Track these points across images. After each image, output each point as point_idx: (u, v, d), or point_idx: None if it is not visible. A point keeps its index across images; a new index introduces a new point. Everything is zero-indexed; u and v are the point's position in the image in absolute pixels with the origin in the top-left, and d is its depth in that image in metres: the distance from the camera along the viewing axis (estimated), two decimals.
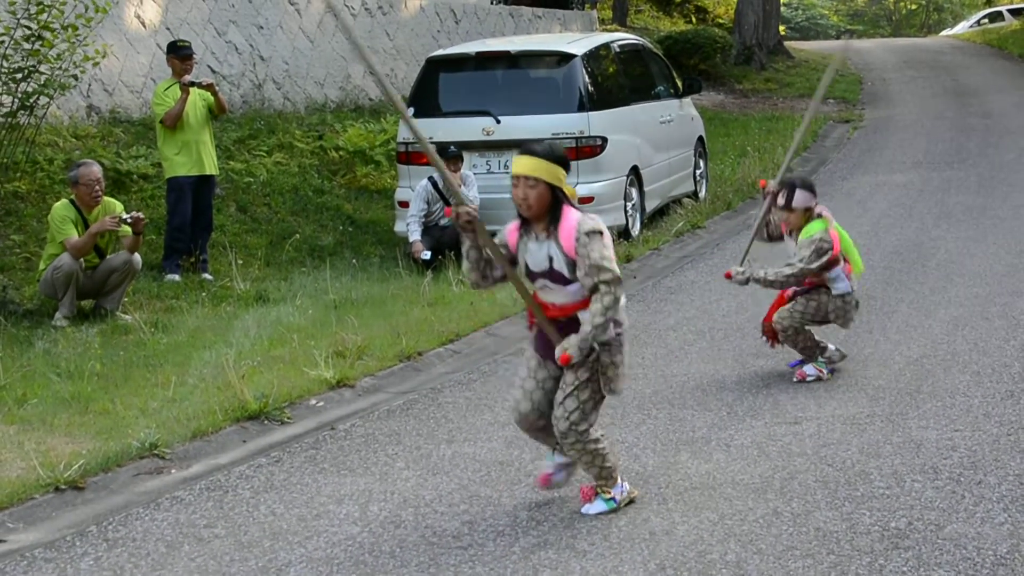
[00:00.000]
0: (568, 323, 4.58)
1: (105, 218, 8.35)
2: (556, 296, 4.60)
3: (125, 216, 8.40)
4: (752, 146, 16.23)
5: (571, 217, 4.51)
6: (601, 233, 4.48)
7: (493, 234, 4.64)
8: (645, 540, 4.46)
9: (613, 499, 4.76)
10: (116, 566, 4.48)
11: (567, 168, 4.57)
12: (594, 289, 4.46)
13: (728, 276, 6.54)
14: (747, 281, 6.47)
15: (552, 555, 4.37)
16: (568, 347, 4.49)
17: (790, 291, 6.59)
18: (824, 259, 6.38)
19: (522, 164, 4.51)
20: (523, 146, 4.60)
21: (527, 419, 4.72)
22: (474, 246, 4.61)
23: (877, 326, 7.71)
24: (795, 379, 6.56)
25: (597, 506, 4.75)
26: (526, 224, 4.61)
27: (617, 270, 4.47)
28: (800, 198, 6.42)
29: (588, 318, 4.48)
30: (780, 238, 6.70)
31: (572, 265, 4.49)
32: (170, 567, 4.45)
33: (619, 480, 4.81)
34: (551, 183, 4.50)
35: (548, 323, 4.61)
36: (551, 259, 4.53)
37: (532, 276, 4.63)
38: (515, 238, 4.64)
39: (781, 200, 6.46)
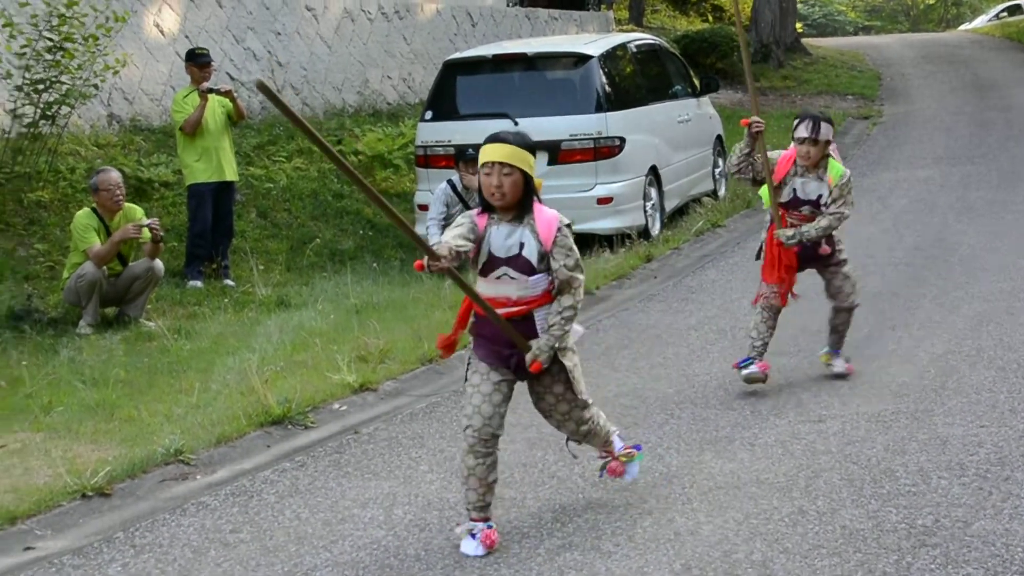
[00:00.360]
0: (523, 321, 4.44)
1: (128, 225, 8.42)
2: (514, 288, 4.42)
3: (145, 222, 8.47)
4: (771, 144, 16.05)
5: (546, 209, 4.45)
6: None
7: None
8: (670, 540, 4.45)
9: (632, 451, 4.89)
10: (143, 572, 4.50)
11: (535, 155, 4.46)
12: (566, 284, 4.41)
13: (780, 244, 6.48)
14: (799, 243, 6.42)
15: (577, 556, 4.37)
16: (539, 354, 4.41)
17: (826, 248, 6.45)
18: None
19: (497, 151, 4.33)
20: (490, 135, 4.44)
21: (491, 424, 4.45)
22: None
23: (900, 322, 7.68)
24: (844, 371, 6.52)
25: (634, 468, 4.89)
26: (492, 212, 4.45)
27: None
28: (826, 130, 6.33)
29: (556, 319, 4.41)
30: (761, 181, 6.54)
31: (542, 256, 4.39)
32: (196, 572, 4.47)
33: (612, 435, 4.87)
34: (525, 170, 4.37)
35: (509, 326, 4.43)
36: (522, 245, 4.39)
37: (494, 263, 4.42)
38: (484, 221, 4.45)
39: (804, 132, 6.31)
